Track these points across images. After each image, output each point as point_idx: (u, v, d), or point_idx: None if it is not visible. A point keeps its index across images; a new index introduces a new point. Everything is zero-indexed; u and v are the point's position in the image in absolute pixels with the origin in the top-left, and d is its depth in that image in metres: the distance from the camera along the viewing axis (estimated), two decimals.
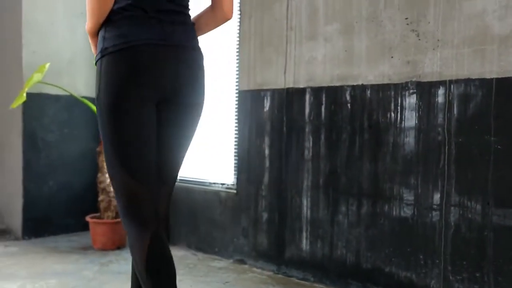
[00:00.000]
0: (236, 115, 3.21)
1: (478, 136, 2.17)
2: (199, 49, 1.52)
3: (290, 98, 2.87)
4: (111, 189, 3.45)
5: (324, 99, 2.71)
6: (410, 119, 2.38)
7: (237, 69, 3.18)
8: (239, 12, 3.15)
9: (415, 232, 2.37)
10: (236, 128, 3.19)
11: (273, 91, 2.95)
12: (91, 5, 1.38)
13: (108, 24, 1.41)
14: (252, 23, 3.06)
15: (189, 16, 1.54)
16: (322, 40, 2.72)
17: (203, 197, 3.36)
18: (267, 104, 2.99)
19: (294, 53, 2.85)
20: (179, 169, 1.59)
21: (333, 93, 2.68)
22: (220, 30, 3.24)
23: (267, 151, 2.99)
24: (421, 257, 2.35)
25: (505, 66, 2.10)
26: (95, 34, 1.47)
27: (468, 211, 2.20)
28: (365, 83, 2.55)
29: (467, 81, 2.20)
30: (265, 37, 3.00)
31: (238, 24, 3.16)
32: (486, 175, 2.14)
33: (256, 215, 3.05)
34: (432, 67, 2.31)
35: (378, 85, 2.49)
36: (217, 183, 3.33)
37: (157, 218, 1.42)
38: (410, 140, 2.39)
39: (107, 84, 1.36)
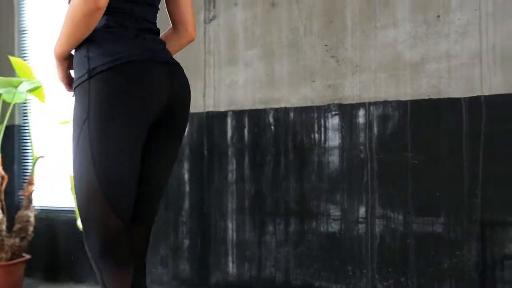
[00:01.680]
0: None
1: (397, 153, 2.38)
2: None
3: (210, 121, 2.87)
4: (3, 227, 3.09)
5: (247, 122, 2.77)
6: (334, 139, 2.54)
7: None
8: None
9: (342, 245, 2.50)
10: None
11: (192, 115, 2.92)
12: (72, 29, 1.23)
13: (90, 43, 1.28)
14: None
15: (159, 34, 1.49)
16: (242, 65, 2.79)
17: None
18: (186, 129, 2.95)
19: (214, 77, 2.87)
20: (159, 204, 1.47)
21: (256, 116, 2.74)
22: None
23: (186, 176, 2.94)
24: (349, 268, 2.48)
25: (417, 89, 2.36)
26: (66, 58, 1.34)
27: (391, 221, 2.39)
28: (288, 105, 2.66)
29: (385, 103, 2.42)
30: (181, 60, 2.97)
31: None
32: (405, 187, 2.36)
33: (176, 242, 2.95)
34: (352, 91, 2.50)
35: (301, 107, 2.62)
36: None
37: (133, 256, 1.33)
38: (334, 158, 2.53)
39: (100, 105, 1.22)
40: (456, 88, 2.28)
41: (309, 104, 2.60)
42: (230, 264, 2.78)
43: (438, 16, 2.33)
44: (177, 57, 2.93)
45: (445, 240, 2.28)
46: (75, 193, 1.28)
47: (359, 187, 2.46)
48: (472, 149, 2.24)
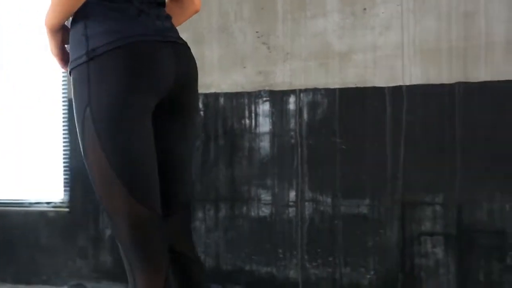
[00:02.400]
0: (65, 124, 2.90)
1: (326, 138, 2.49)
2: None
3: None
4: None
5: None
6: (264, 125, 2.57)
7: (65, 75, 2.89)
8: None
9: (273, 229, 2.56)
10: (66, 139, 2.89)
11: None
12: (63, 1, 1.10)
13: (88, 19, 1.14)
14: None
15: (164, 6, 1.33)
16: None
17: (22, 220, 2.92)
18: None
19: None
20: (191, 191, 1.36)
21: None
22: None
23: None
24: (280, 251, 2.55)
25: (345, 78, 2.47)
26: (58, 30, 1.19)
27: (320, 204, 2.50)
28: (218, 91, 2.64)
29: (315, 91, 2.51)
30: None
31: None
32: (334, 172, 2.48)
33: (96, 232, 2.81)
34: (283, 77, 2.55)
35: (231, 93, 2.62)
36: (42, 202, 2.94)
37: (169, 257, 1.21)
38: (265, 144, 2.58)
39: (105, 91, 1.10)
40: (380, 77, 2.43)
41: (239, 90, 2.61)
42: None
43: (365, 9, 2.45)
44: None
45: (370, 221, 2.44)
46: (92, 181, 1.17)
47: (290, 171, 2.53)
48: (394, 135, 2.41)
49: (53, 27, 1.18)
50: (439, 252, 2.37)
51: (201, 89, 2.60)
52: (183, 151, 1.30)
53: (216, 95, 2.64)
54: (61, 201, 2.91)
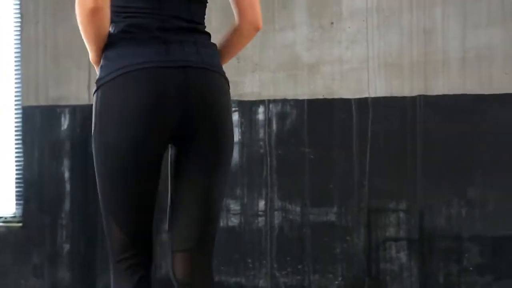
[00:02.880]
0: (18, 134, 2.74)
1: (295, 148, 2.54)
2: (219, 71, 1.23)
3: None
4: None
5: None
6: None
7: (19, 81, 2.74)
8: (19, 16, 2.73)
9: (242, 239, 2.56)
10: (19, 150, 2.73)
11: (74, 108, 2.67)
12: (84, 34, 1.15)
13: (105, 49, 1.16)
14: (40, 29, 2.70)
15: (205, 33, 1.25)
16: None
17: None
18: (65, 122, 2.68)
19: None
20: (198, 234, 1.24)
21: None
22: None
23: (67, 174, 2.67)
24: (249, 261, 2.55)
25: (313, 89, 2.54)
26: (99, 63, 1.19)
27: (289, 213, 2.53)
28: None
29: (284, 101, 2.55)
30: (61, 48, 2.70)
31: (19, 29, 2.73)
32: (302, 181, 2.53)
33: (53, 248, 2.66)
34: (252, 88, 2.57)
35: None
36: None
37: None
38: (234, 154, 2.57)
39: (96, 122, 1.15)
40: (347, 89, 2.53)
41: None
42: None
43: (332, 23, 2.54)
44: (55, 44, 2.65)
45: (338, 228, 2.51)
46: None
47: (259, 181, 2.55)
48: (361, 145, 2.51)
49: (94, 61, 1.21)
50: (403, 256, 2.48)
51: None
52: (195, 195, 1.22)
53: None
54: (13, 215, 2.73)
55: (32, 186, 2.68)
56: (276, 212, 2.54)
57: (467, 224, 2.43)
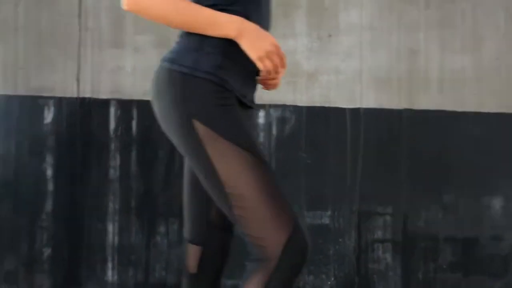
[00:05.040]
0: None
1: (293, 152, 2.62)
2: (162, 61, 1.24)
3: (86, 109, 2.49)
4: None
5: (135, 113, 2.52)
6: None
7: None
8: None
9: (239, 241, 2.55)
10: None
11: (60, 100, 2.47)
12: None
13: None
14: (20, 11, 2.46)
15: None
16: (131, 50, 2.53)
17: None
18: (49, 115, 2.46)
19: (92, 59, 2.50)
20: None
21: (147, 107, 2.52)
22: None
23: (50, 172, 2.45)
24: (246, 263, 2.55)
25: (312, 97, 2.65)
26: None
27: None
28: None
29: (284, 107, 2.62)
30: (44, 33, 2.48)
31: None
32: (299, 184, 2.61)
33: (31, 252, 2.42)
34: None
35: None
36: None
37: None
38: None
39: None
40: (342, 99, 2.68)
41: None
42: (110, 272, 2.46)
43: (330, 35, 2.69)
44: (37, 29, 2.43)
45: (331, 230, 2.63)
46: None
47: None
48: (353, 151, 2.67)
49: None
50: (388, 257, 2.68)
51: None
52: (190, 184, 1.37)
53: None
54: None
55: (6, 184, 2.41)
56: None
57: (442, 226, 2.71)
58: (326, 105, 2.66)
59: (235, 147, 1.09)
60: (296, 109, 2.63)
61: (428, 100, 2.73)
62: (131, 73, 2.52)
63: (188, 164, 1.32)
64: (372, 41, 2.71)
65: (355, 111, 2.68)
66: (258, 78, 1.30)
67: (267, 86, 1.37)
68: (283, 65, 1.17)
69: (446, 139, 2.73)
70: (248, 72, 1.23)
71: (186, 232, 1.34)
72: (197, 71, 1.12)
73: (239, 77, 1.19)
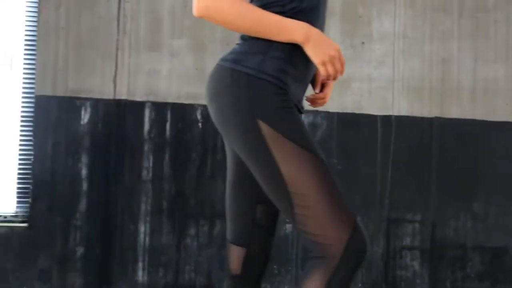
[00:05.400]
0: (26, 126, 2.49)
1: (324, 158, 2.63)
2: (223, 61, 1.22)
3: (122, 111, 2.52)
4: None
5: (169, 115, 2.55)
6: None
7: (32, 68, 2.50)
8: None
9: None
10: (27, 143, 2.48)
11: (97, 101, 2.51)
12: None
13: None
14: (62, 14, 2.51)
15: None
16: (167, 53, 2.57)
17: None
18: (85, 116, 2.50)
19: (129, 61, 2.54)
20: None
21: (181, 110, 2.56)
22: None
23: (84, 172, 2.49)
24: (275, 267, 2.58)
25: (343, 103, 2.67)
26: None
27: None
28: None
29: (315, 113, 2.64)
30: (83, 35, 2.52)
31: (36, 12, 2.51)
32: None
33: (65, 251, 2.46)
34: None
35: None
36: None
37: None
38: None
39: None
40: (373, 106, 2.69)
41: None
42: (140, 272, 2.49)
43: (363, 43, 2.70)
44: (78, 31, 2.47)
45: None
46: None
47: None
48: (383, 158, 2.68)
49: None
50: (416, 264, 2.68)
51: (201, 100, 2.55)
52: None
53: None
54: (14, 214, 2.47)
55: (42, 183, 2.45)
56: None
57: (471, 235, 2.71)
58: (358, 112, 2.68)
59: (297, 147, 1.11)
60: (328, 115, 2.65)
61: (460, 109, 2.74)
62: (166, 76, 2.56)
63: (232, 164, 1.33)
64: (405, 50, 2.72)
65: (387, 119, 2.69)
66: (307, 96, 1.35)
67: (315, 103, 1.40)
68: (342, 72, 1.19)
69: (477, 147, 2.73)
70: (305, 79, 1.25)
71: (229, 233, 1.36)
72: (262, 73, 1.15)
73: (298, 83, 1.22)
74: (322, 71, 1.16)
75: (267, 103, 1.14)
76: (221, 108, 1.18)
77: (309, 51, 1.15)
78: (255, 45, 1.18)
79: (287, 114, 1.14)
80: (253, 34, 1.17)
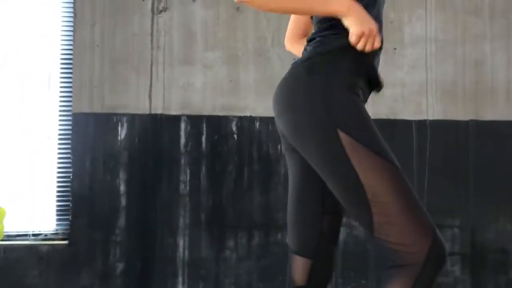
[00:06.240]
0: (63, 143, 2.52)
1: None
2: (297, 67, 1.21)
3: (158, 125, 2.54)
4: None
5: (205, 128, 2.56)
6: None
7: (69, 86, 2.53)
8: (72, 15, 2.54)
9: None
10: (65, 161, 2.51)
11: (133, 116, 2.53)
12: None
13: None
14: (96, 32, 2.53)
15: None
16: (201, 66, 2.58)
17: (2, 257, 2.42)
18: (122, 131, 2.52)
19: (164, 76, 2.56)
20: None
21: (217, 122, 2.57)
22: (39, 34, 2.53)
23: (123, 187, 2.50)
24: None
25: (377, 110, 2.64)
26: None
27: (354, 229, 2.60)
28: (253, 114, 2.59)
29: None
30: (118, 52, 2.55)
31: (71, 30, 2.54)
32: None
33: (105, 267, 2.47)
34: None
35: (267, 117, 2.59)
36: (29, 234, 2.47)
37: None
38: None
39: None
40: (408, 111, 2.67)
41: None
42: (180, 286, 2.50)
43: (395, 49, 2.69)
44: (112, 48, 2.50)
45: None
46: None
47: None
48: (420, 163, 2.66)
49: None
50: (457, 270, 2.65)
51: (235, 112, 2.55)
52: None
53: (251, 119, 2.59)
54: (56, 231, 2.49)
55: (81, 200, 2.47)
56: (341, 228, 2.58)
57: None
58: (392, 117, 2.66)
59: (375, 155, 1.11)
60: None
61: (495, 111, 2.71)
62: (200, 89, 2.57)
63: (297, 174, 1.31)
64: (437, 53, 2.70)
65: (421, 123, 2.67)
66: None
67: None
68: (375, 48, 1.21)
69: None
70: (369, 81, 1.26)
71: (293, 244, 1.34)
72: (337, 80, 1.15)
73: (365, 86, 1.23)
74: (353, 40, 1.15)
75: (344, 111, 1.14)
76: (294, 119, 1.18)
77: (349, 21, 1.15)
78: (324, 50, 1.19)
79: (364, 121, 1.15)
80: (300, 13, 1.23)
